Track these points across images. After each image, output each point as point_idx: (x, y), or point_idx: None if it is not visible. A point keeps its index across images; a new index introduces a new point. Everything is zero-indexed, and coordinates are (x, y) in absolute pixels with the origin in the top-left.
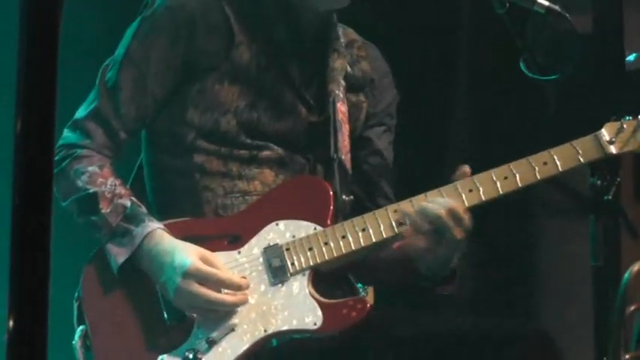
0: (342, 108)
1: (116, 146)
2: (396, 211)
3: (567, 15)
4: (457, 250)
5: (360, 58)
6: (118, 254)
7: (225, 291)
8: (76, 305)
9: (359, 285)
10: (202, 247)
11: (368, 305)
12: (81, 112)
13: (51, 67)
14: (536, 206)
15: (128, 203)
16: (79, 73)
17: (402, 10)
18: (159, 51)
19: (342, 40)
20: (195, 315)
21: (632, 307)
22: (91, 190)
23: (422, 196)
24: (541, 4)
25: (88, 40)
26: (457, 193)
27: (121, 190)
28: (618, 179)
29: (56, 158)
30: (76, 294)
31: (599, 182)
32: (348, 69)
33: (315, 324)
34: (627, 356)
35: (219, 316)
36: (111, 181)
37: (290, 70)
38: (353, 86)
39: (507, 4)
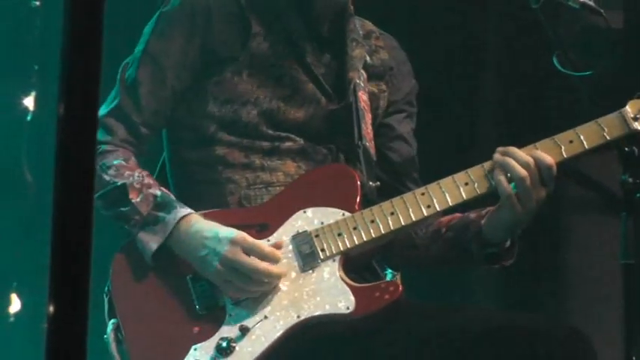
0: (363, 97)
1: (138, 141)
2: (423, 194)
3: (602, 11)
4: (532, 212)
5: (379, 47)
6: (151, 242)
7: None
8: (106, 300)
9: (387, 272)
10: None
11: (400, 288)
12: (102, 111)
13: (95, 49)
14: (567, 203)
15: (158, 192)
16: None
17: (436, 3)
18: (177, 43)
19: (360, 31)
20: (230, 296)
21: None
22: (119, 182)
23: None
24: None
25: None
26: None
27: (149, 180)
28: None
29: None
30: (106, 288)
31: (630, 180)
32: (367, 59)
33: (347, 308)
34: None
35: (255, 297)
36: (138, 172)
37: (308, 60)
38: (373, 76)
39: None
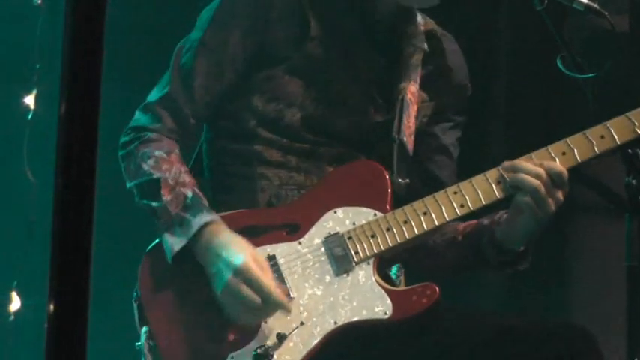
0: (412, 88)
1: (185, 132)
2: (455, 192)
3: (606, 13)
4: (550, 215)
5: (437, 50)
6: (174, 243)
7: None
8: (135, 306)
9: (392, 272)
10: (261, 238)
11: (437, 291)
12: (154, 95)
13: (97, 48)
14: (571, 205)
15: (190, 193)
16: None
17: (440, 7)
18: (236, 37)
19: (421, 28)
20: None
21: None
22: (155, 176)
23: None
24: (580, 2)
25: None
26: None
27: (185, 178)
28: None
29: (125, 140)
30: (134, 294)
31: (634, 182)
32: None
33: (385, 313)
34: None
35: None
36: (176, 167)
37: (361, 67)
38: (426, 78)
39: (546, 1)
